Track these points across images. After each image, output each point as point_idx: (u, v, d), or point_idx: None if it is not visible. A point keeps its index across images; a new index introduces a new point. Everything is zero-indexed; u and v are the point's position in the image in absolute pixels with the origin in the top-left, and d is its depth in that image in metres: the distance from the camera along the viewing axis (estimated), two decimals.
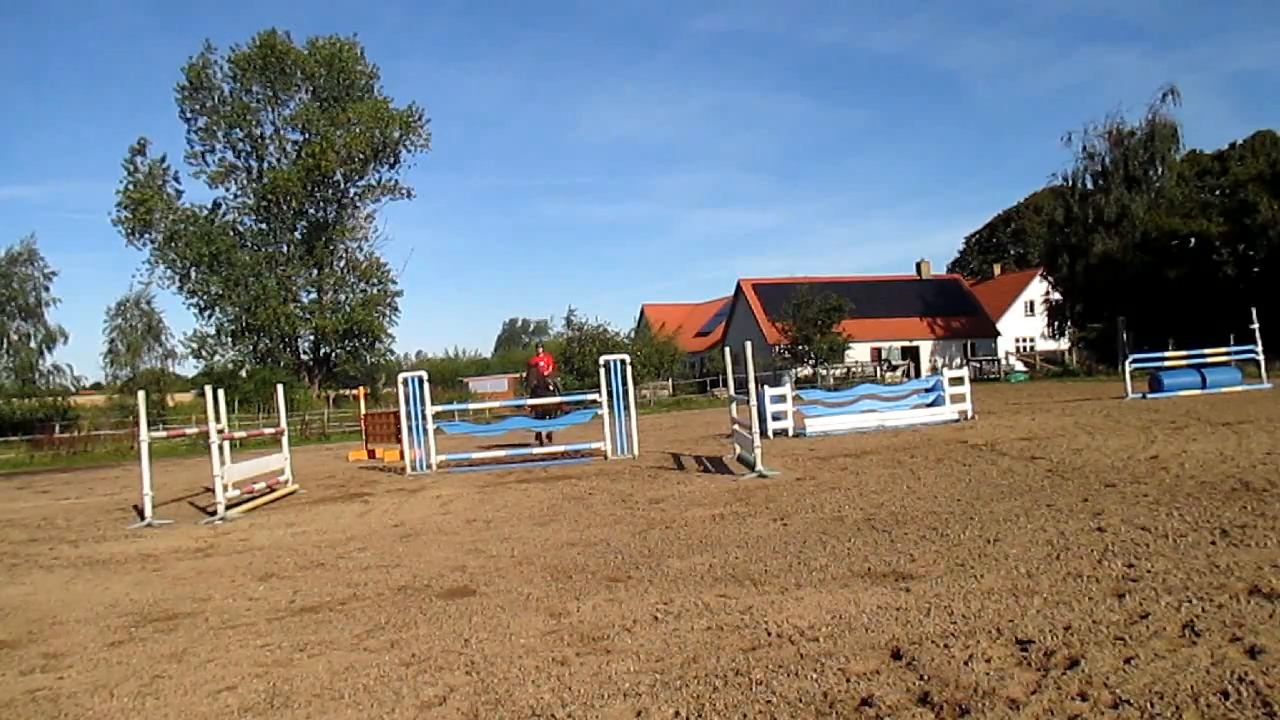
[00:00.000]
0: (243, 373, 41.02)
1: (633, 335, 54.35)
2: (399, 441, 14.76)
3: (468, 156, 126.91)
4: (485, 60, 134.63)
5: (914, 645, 3.51)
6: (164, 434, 13.31)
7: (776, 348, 44.65)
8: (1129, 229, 38.90)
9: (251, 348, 43.28)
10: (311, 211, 43.77)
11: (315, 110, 42.04)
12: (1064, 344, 45.54)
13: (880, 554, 5.27)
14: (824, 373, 42.62)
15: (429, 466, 13.08)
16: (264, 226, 43.65)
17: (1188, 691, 2.84)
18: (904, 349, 48.94)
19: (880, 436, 13.31)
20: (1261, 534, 4.90)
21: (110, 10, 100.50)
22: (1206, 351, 18.83)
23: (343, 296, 44.39)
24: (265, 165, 43.01)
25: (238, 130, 42.29)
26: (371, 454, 17.58)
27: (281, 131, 43.10)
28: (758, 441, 9.91)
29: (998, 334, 51.92)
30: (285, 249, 43.75)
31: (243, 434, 13.72)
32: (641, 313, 67.27)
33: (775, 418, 14.95)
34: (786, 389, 15.70)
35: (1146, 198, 39.72)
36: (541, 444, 14.26)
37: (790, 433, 14.79)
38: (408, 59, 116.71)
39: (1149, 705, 2.77)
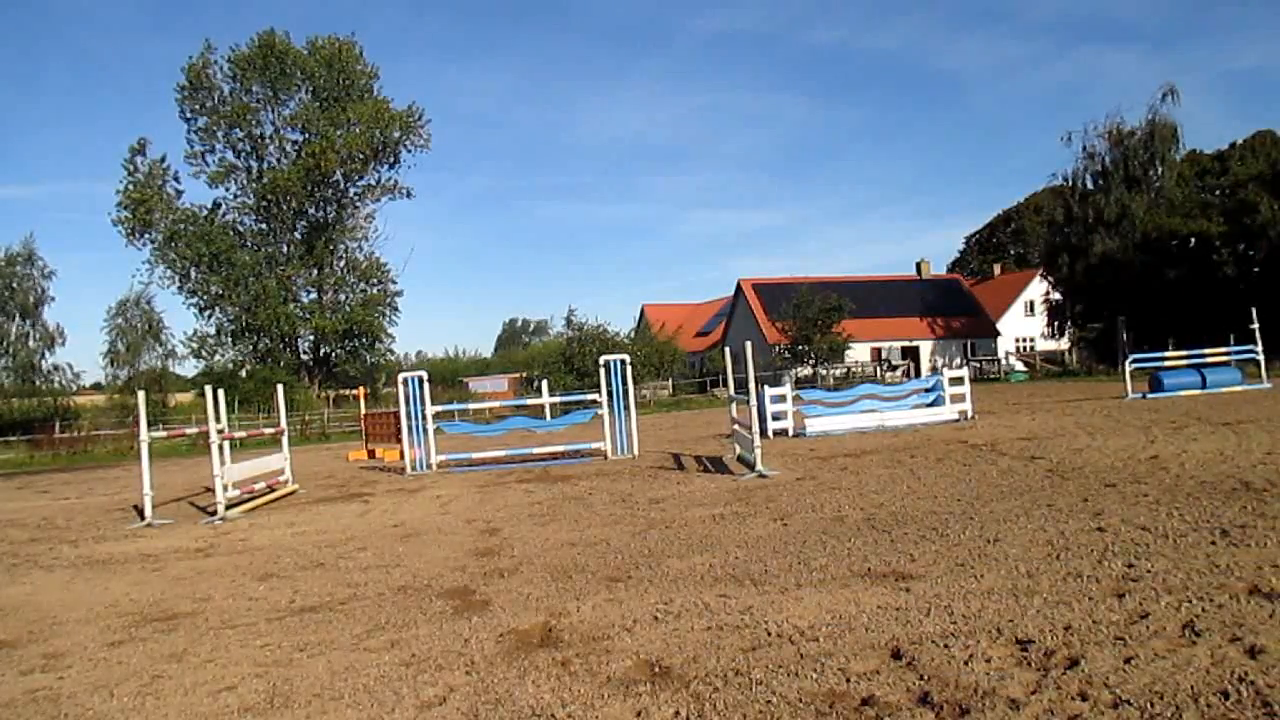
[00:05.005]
0: (243, 373, 40.95)
1: (633, 335, 54.30)
2: (399, 441, 14.76)
3: (467, 156, 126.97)
4: (483, 60, 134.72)
5: (914, 645, 3.51)
6: (164, 434, 13.30)
7: (776, 348, 44.62)
8: (1129, 229, 38.89)
9: (251, 348, 43.23)
10: (311, 211, 43.73)
11: (315, 110, 42.00)
12: (1064, 344, 45.50)
13: (880, 554, 5.27)
14: (824, 373, 42.60)
15: (429, 466, 13.08)
16: (264, 226, 43.61)
17: (1188, 691, 2.84)
18: (904, 349, 48.90)
19: (880, 436, 13.31)
20: (1261, 534, 4.90)
21: (109, 10, 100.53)
22: (1206, 351, 18.83)
23: (343, 296, 44.34)
24: (265, 165, 42.94)
25: (238, 130, 42.23)
26: (371, 454, 17.59)
27: (281, 131, 43.05)
28: (758, 441, 9.92)
29: (998, 334, 51.89)
30: (285, 249, 43.70)
31: (243, 434, 13.72)
32: (641, 313, 67.22)
33: (775, 418, 14.95)
34: (786, 389, 15.70)
35: (1146, 198, 39.71)
36: None
37: (790, 433, 14.79)
38: (405, 59, 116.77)
39: (1149, 705, 2.77)
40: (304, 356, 44.46)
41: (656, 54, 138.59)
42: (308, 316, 43.07)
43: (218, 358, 42.78)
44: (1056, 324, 45.20)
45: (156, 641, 4.57)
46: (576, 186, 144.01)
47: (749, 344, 10.73)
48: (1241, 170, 39.80)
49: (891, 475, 8.77)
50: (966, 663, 3.27)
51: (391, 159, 44.21)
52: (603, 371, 13.08)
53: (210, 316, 42.55)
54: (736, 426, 11.64)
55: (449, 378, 54.04)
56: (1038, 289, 50.65)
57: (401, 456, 13.91)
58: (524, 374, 50.24)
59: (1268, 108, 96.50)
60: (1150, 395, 17.30)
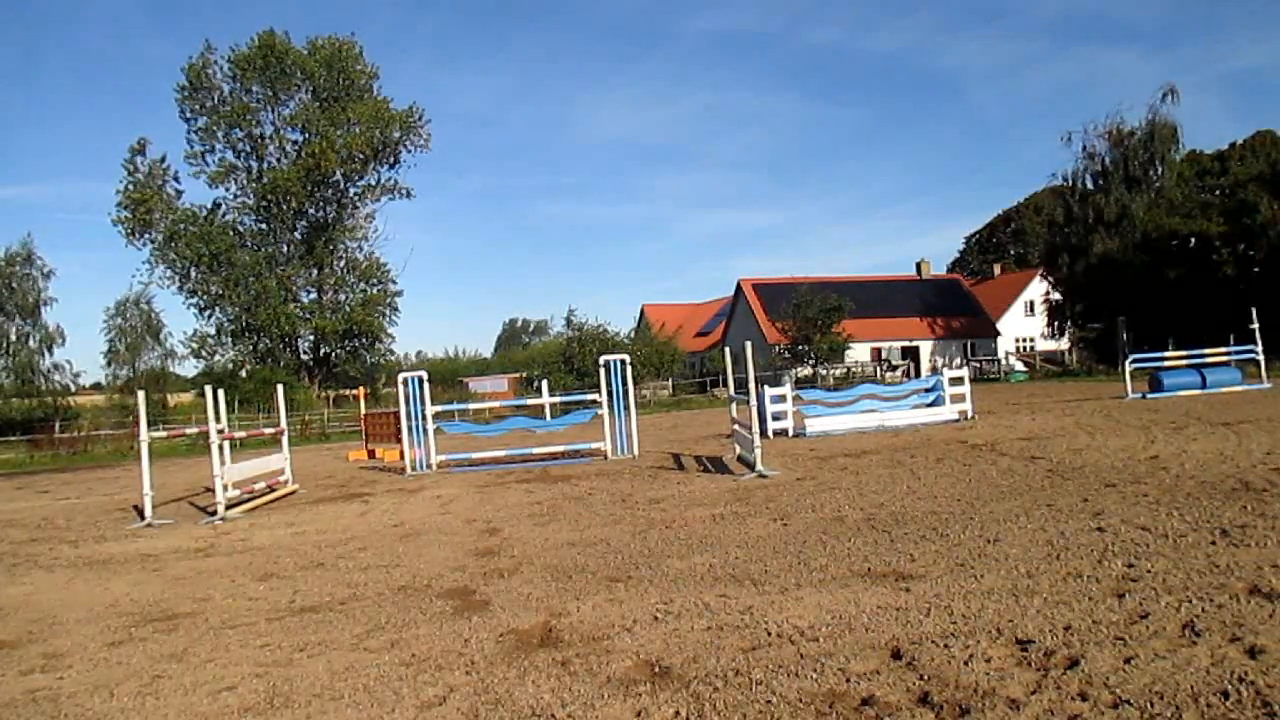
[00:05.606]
0: (243, 373, 40.97)
1: (633, 335, 54.31)
2: (399, 441, 14.76)
3: (467, 156, 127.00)
4: (481, 60, 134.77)
5: (914, 645, 3.50)
6: (164, 434, 13.31)
7: (776, 348, 44.63)
8: (1129, 229, 38.90)
9: (251, 348, 43.24)
10: (311, 211, 43.75)
11: (315, 110, 42.02)
12: (1064, 344, 45.51)
13: (880, 554, 5.27)
14: (824, 373, 42.60)
15: (429, 466, 13.08)
16: (264, 226, 43.64)
17: (1188, 691, 2.84)
18: (904, 349, 48.91)
19: (880, 436, 13.30)
20: (1261, 534, 4.89)
21: (109, 10, 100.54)
22: (1206, 351, 18.83)
23: (343, 296, 44.36)
24: (265, 165, 42.96)
25: (238, 130, 42.25)
26: (371, 454, 17.58)
27: (281, 131, 43.07)
28: (758, 441, 9.91)
29: (998, 334, 51.90)
30: (285, 249, 43.72)
31: (243, 434, 13.72)
32: (641, 313, 67.24)
33: (775, 418, 14.94)
34: (786, 389, 15.70)
35: (1146, 198, 39.71)
36: None
37: (790, 433, 14.78)
38: (403, 59, 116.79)
39: (1149, 705, 2.77)
40: (304, 356, 44.48)
41: (655, 54, 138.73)
42: (308, 316, 43.10)
43: (218, 358, 42.87)
44: (1056, 324, 45.20)
45: (156, 641, 4.57)
46: (576, 186, 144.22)
47: (749, 344, 10.72)
48: (1241, 170, 39.79)
49: (891, 475, 8.76)
50: (966, 663, 3.27)
51: (391, 159, 44.29)
52: (603, 371, 13.08)
53: (210, 316, 42.64)
54: (736, 426, 11.63)
55: (449, 378, 53.98)
56: (1038, 289, 50.65)
57: (401, 456, 13.91)
58: (524, 374, 50.27)
59: (1268, 108, 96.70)
60: (1150, 395, 17.30)
